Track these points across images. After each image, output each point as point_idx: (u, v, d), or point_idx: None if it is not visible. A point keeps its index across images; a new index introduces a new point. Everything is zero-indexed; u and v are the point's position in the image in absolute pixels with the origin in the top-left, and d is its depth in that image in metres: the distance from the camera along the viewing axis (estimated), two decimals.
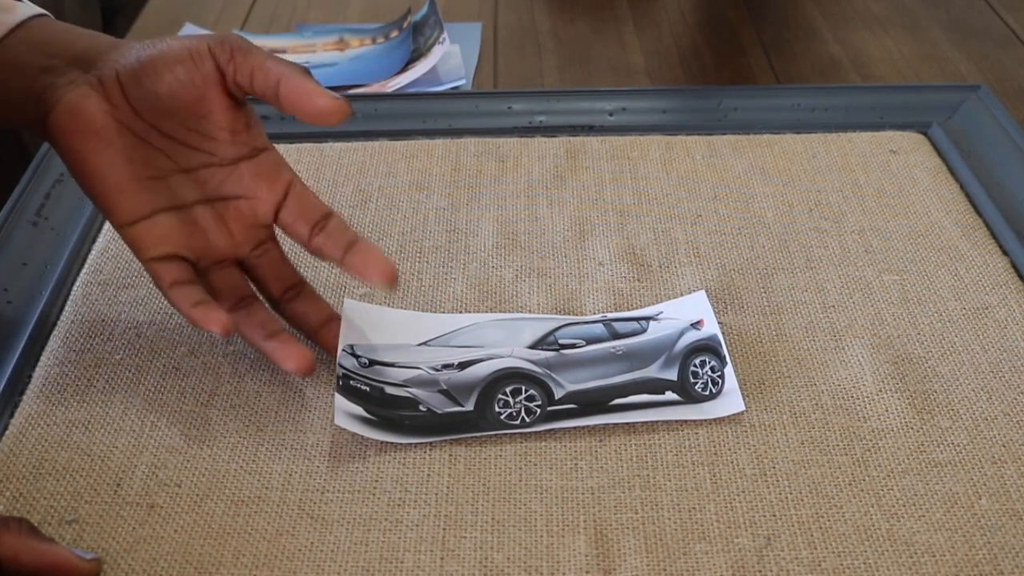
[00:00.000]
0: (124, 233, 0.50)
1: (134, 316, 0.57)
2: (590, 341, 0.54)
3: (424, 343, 0.54)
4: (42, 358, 0.54)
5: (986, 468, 0.48)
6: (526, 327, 0.55)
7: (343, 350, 0.53)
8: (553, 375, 0.52)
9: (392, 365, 0.52)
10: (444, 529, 0.46)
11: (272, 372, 0.53)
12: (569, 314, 0.57)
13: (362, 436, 0.49)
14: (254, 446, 0.50)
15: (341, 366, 0.52)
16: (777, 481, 0.48)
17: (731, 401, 0.51)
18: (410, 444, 0.50)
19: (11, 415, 0.51)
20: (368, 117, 0.73)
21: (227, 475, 0.48)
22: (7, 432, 0.50)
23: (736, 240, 0.62)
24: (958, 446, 0.49)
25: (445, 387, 0.51)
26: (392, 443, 0.49)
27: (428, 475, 0.48)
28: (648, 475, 0.48)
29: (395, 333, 0.55)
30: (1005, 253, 0.61)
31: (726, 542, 0.45)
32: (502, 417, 0.50)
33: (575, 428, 0.50)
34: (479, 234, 0.63)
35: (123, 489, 0.48)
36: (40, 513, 0.46)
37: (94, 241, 0.62)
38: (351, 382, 0.51)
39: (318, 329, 0.54)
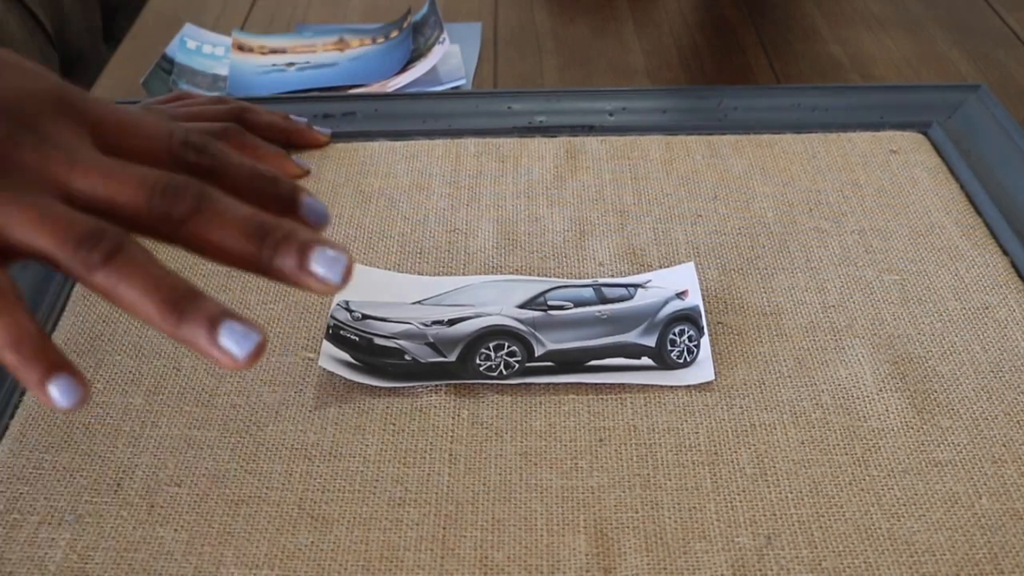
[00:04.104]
0: None
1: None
2: (578, 304, 0.55)
3: (418, 302, 0.57)
4: None
5: (986, 468, 0.48)
6: (518, 288, 0.57)
7: (338, 304, 0.55)
8: (537, 334, 0.54)
9: (384, 320, 0.54)
10: (444, 528, 0.46)
11: (272, 372, 0.53)
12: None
13: (345, 380, 0.52)
14: (254, 446, 0.50)
15: (334, 318, 0.55)
16: (777, 481, 0.48)
17: (702, 370, 0.53)
18: (391, 392, 0.52)
19: (11, 415, 0.51)
20: (368, 117, 0.74)
21: (227, 475, 0.48)
22: (7, 432, 0.50)
23: (736, 240, 0.62)
24: (958, 446, 0.49)
25: (432, 340, 0.53)
26: (373, 387, 0.52)
27: (428, 474, 0.48)
28: (648, 474, 0.48)
29: (392, 293, 0.57)
30: (1005, 253, 0.61)
31: (726, 541, 0.45)
32: (481, 369, 0.52)
33: (555, 387, 0.52)
34: (479, 234, 0.63)
35: (123, 489, 0.48)
36: (40, 513, 0.46)
37: None
38: (341, 332, 0.54)
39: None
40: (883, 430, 0.50)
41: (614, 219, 0.64)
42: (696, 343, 0.54)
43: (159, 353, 0.54)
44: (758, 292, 0.58)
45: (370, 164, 0.69)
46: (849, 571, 0.44)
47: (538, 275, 0.59)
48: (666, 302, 0.56)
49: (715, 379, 0.53)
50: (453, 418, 0.51)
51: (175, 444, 0.50)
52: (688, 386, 0.52)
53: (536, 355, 0.53)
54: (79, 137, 0.40)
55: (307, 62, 0.84)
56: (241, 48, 0.85)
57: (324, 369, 0.52)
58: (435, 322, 0.54)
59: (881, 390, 0.52)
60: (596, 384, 0.52)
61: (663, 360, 0.54)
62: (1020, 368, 0.53)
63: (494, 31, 0.90)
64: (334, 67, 0.83)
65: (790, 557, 0.44)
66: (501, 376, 0.53)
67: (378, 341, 0.54)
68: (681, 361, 0.54)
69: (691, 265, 0.59)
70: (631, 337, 0.54)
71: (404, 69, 0.82)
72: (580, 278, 0.59)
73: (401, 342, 0.53)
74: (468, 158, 0.69)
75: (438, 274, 0.60)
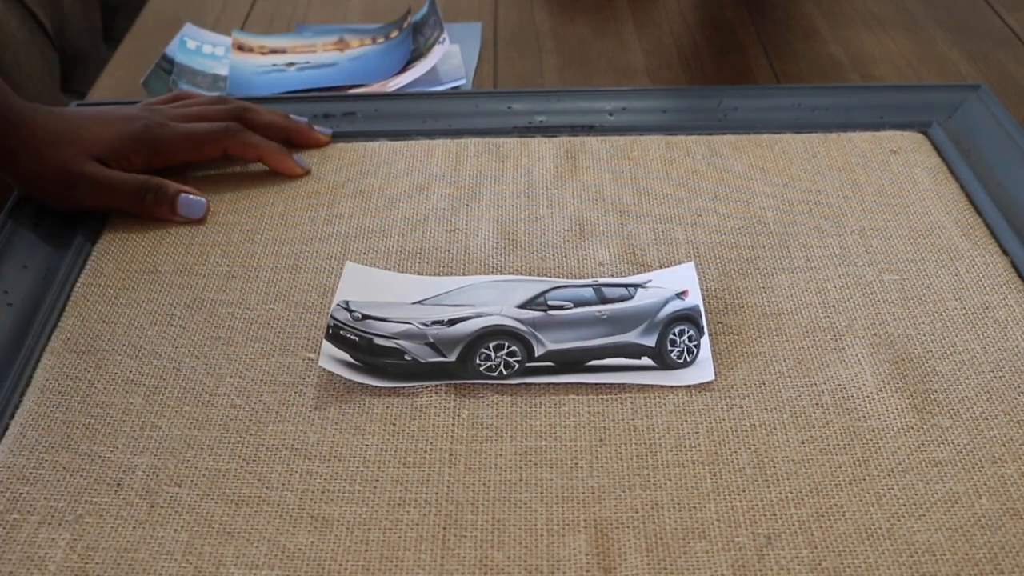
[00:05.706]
0: None
1: (134, 317, 0.57)
2: (578, 304, 0.55)
3: (418, 302, 0.56)
4: (43, 359, 0.54)
5: (986, 467, 0.48)
6: (518, 288, 0.57)
7: (338, 304, 0.55)
8: (537, 334, 0.54)
9: (384, 320, 0.54)
10: (444, 528, 0.46)
11: (272, 372, 0.53)
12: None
13: (345, 380, 0.52)
14: (254, 446, 0.50)
15: (334, 318, 0.54)
16: (777, 481, 0.48)
17: (702, 370, 0.53)
18: (391, 392, 0.52)
19: (12, 416, 0.51)
20: (368, 117, 0.74)
21: (227, 475, 0.48)
22: (7, 433, 0.50)
23: (736, 240, 0.62)
24: (958, 445, 0.49)
25: (432, 340, 0.53)
26: (373, 387, 0.52)
27: (428, 474, 0.48)
28: (648, 474, 0.48)
29: (392, 293, 0.57)
30: (1005, 253, 0.61)
31: (726, 541, 0.45)
32: (481, 369, 0.52)
33: (555, 387, 0.52)
34: (479, 234, 0.63)
35: (123, 489, 0.48)
36: (40, 513, 0.46)
37: (94, 244, 0.62)
38: (341, 332, 0.54)
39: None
40: (883, 430, 0.50)
41: (614, 219, 0.64)
42: (696, 343, 0.54)
43: (159, 353, 0.54)
44: (758, 292, 0.58)
45: (370, 164, 0.69)
46: (849, 571, 0.44)
47: (538, 275, 0.59)
48: (666, 302, 0.56)
49: (715, 379, 0.53)
50: (453, 418, 0.51)
51: (175, 444, 0.50)
52: (688, 386, 0.52)
53: (536, 355, 0.53)
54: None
55: (307, 62, 0.84)
56: (241, 48, 0.85)
57: (324, 369, 0.52)
58: (435, 322, 0.54)
59: (881, 390, 0.52)
60: (596, 384, 0.52)
61: (663, 360, 0.54)
62: (1020, 368, 0.53)
63: (494, 31, 0.90)
64: (334, 67, 0.83)
65: (790, 557, 0.44)
66: (501, 376, 0.53)
67: (378, 341, 0.53)
68: (681, 361, 0.54)
69: (691, 265, 0.59)
70: (631, 337, 0.54)
71: (404, 69, 0.83)
72: (580, 278, 0.59)
73: (401, 342, 0.53)
74: (468, 158, 0.69)
75: (438, 274, 0.60)
